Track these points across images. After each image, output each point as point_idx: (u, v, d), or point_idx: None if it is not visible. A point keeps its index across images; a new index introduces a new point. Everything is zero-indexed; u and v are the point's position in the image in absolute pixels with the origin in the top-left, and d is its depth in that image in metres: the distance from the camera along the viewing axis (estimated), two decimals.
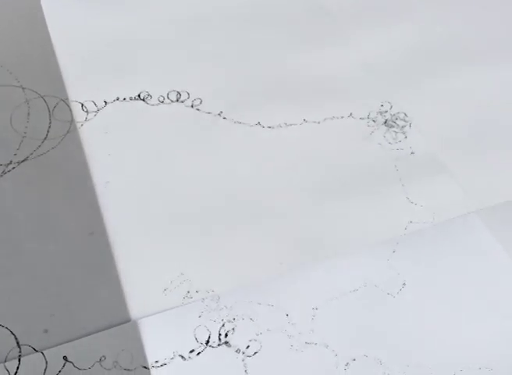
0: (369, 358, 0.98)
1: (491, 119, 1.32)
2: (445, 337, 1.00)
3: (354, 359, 0.98)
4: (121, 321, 1.00)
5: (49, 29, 1.47)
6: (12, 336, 0.98)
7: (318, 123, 1.33)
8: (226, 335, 1.00)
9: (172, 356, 0.97)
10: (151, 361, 0.96)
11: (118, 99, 1.35)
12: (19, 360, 0.94)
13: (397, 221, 1.16)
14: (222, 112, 1.33)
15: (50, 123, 1.30)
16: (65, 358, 0.96)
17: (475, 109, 1.33)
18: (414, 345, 0.99)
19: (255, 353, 0.98)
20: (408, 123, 1.33)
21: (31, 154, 1.24)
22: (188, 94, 1.37)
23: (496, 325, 1.02)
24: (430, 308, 1.04)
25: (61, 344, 0.96)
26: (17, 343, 0.96)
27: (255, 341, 0.99)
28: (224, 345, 0.99)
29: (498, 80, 1.39)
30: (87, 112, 1.32)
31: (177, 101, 1.36)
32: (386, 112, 1.35)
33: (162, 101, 1.35)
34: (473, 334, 1.00)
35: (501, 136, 1.29)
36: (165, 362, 0.96)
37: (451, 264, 1.10)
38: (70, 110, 1.32)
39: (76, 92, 1.35)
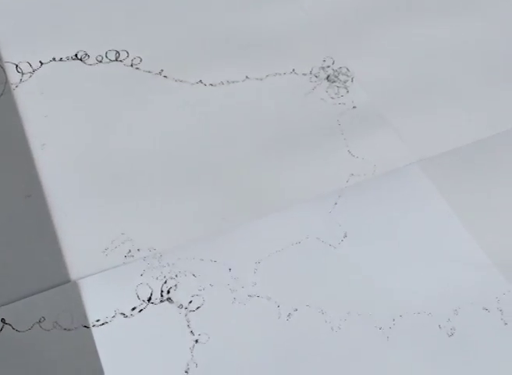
0: (311, 307, 0.99)
1: (431, 72, 1.32)
2: (385, 284, 1.02)
3: (296, 309, 0.99)
4: (60, 282, 0.99)
5: None
6: None
7: (261, 79, 1.31)
8: (169, 292, 0.99)
9: (113, 314, 0.96)
10: (91, 320, 0.95)
11: (54, 59, 1.30)
12: None
13: (339, 174, 1.17)
14: (162, 70, 1.31)
15: None
16: (3, 320, 0.94)
17: (416, 63, 1.34)
18: (354, 294, 1.01)
19: (198, 308, 0.98)
20: (350, 78, 1.33)
21: None
22: (127, 53, 1.33)
23: (435, 271, 1.04)
24: (371, 257, 1.05)
25: None
26: None
27: (198, 296, 0.99)
28: (166, 302, 0.98)
29: (437, 34, 1.40)
30: (21, 73, 1.28)
31: (116, 60, 1.33)
32: (329, 67, 1.35)
33: (100, 61, 1.32)
34: (412, 280, 1.02)
35: (440, 88, 1.30)
36: (107, 320, 0.96)
37: (392, 214, 1.11)
38: (4, 71, 1.27)
39: (9, 53, 1.30)
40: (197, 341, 0.94)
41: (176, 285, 1.00)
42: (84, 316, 0.94)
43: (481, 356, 0.94)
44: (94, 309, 0.96)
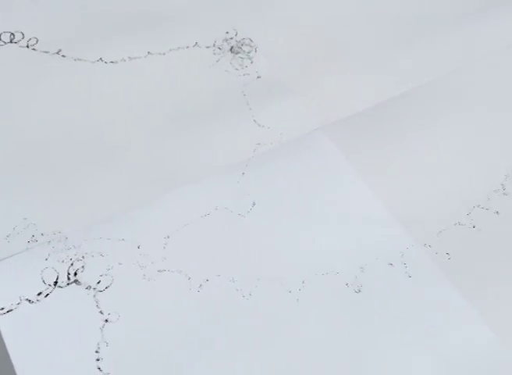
0: (222, 277, 1.00)
1: (332, 38, 1.34)
2: (293, 248, 1.03)
3: (207, 280, 0.99)
4: None
5: None
6: None
7: (163, 54, 1.29)
8: (76, 274, 0.97)
9: (18, 301, 0.94)
10: None
11: None
12: None
13: (246, 144, 1.17)
14: (60, 50, 1.26)
15: None
16: None
17: (317, 30, 1.35)
18: (263, 260, 1.02)
19: (106, 287, 0.97)
20: (254, 48, 1.32)
21: None
22: (22, 34, 1.28)
23: (341, 231, 1.06)
24: (279, 223, 1.07)
25: None
26: None
27: (106, 275, 0.98)
28: (73, 284, 0.96)
29: (336, 1, 1.42)
30: None
31: (11, 42, 1.28)
32: (232, 38, 1.34)
33: None
34: (319, 242, 1.04)
35: (341, 53, 1.32)
36: (12, 308, 0.93)
37: (299, 180, 1.13)
38: None
39: None
40: (106, 320, 0.93)
41: (83, 267, 0.98)
42: None
43: (387, 309, 0.97)
44: None
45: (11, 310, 0.92)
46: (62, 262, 0.98)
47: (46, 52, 1.26)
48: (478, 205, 1.10)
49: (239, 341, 0.94)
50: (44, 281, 0.96)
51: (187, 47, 1.31)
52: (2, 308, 0.92)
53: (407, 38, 1.34)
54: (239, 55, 1.32)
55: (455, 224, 1.07)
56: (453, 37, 1.32)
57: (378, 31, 1.33)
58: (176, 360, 0.91)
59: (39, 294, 0.94)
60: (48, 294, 0.94)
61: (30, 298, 0.94)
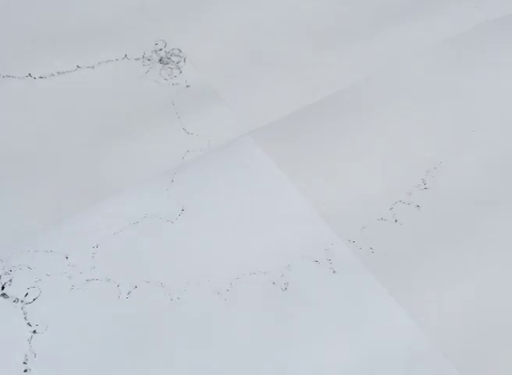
0: (150, 283, 1.01)
1: (258, 46, 1.36)
2: (221, 251, 1.05)
3: (136, 287, 1.01)
4: None
5: None
6: None
7: (93, 67, 1.31)
8: (3, 287, 0.98)
9: None
10: None
11: None
12: None
13: (175, 152, 1.19)
14: None
15: None
16: None
17: (244, 38, 1.38)
18: (192, 264, 1.04)
19: (34, 299, 0.97)
20: (183, 59, 1.35)
21: None
22: None
23: (269, 232, 1.08)
24: (207, 227, 1.09)
25: None
26: None
27: (34, 287, 0.99)
28: (1, 297, 0.97)
29: (261, 8, 1.45)
30: None
31: None
32: (161, 50, 1.36)
33: None
34: (247, 244, 1.07)
35: (267, 60, 1.34)
36: None
37: (228, 185, 1.15)
38: None
39: None
40: (34, 331, 0.94)
41: (10, 280, 0.98)
42: None
43: (313, 304, 1.00)
44: None
45: None
46: None
47: None
48: (400, 200, 1.14)
49: (168, 345, 0.95)
50: None
51: (116, 59, 1.33)
52: None
53: (328, 44, 1.38)
54: (168, 65, 1.35)
55: (378, 219, 1.11)
56: (373, 40, 1.37)
57: (300, 39, 1.37)
58: (105, 369, 0.92)
59: None
60: None
61: None
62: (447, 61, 1.33)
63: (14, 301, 0.96)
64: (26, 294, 0.97)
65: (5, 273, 0.99)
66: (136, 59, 1.34)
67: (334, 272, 1.05)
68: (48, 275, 1.00)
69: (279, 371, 0.94)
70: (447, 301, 1.01)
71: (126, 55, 1.33)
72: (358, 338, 0.97)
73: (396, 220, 1.11)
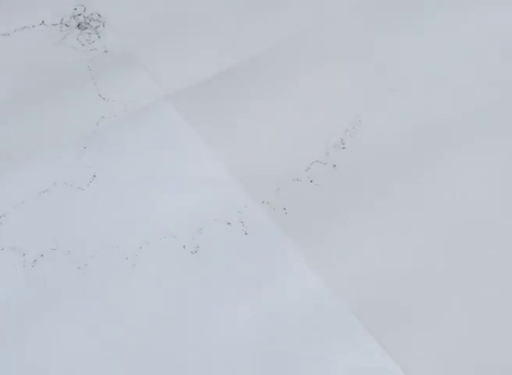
0: (57, 250, 1.00)
1: (178, 11, 1.33)
2: (131, 216, 1.03)
3: (42, 255, 0.99)
4: None
5: None
6: None
7: (8, 34, 1.27)
8: None
9: None
10: None
11: None
12: None
13: (89, 118, 1.16)
14: None
15: None
16: None
17: (163, 4, 1.33)
18: (102, 230, 1.01)
19: None
20: (102, 23, 1.31)
21: None
22: None
23: (181, 196, 1.07)
24: (119, 193, 1.06)
25: None
26: None
27: None
28: None
29: None
30: None
31: None
32: (80, 15, 1.32)
33: None
34: (158, 209, 1.04)
35: (188, 25, 1.30)
36: None
37: (143, 151, 1.12)
38: None
39: None
40: None
41: None
42: None
43: (224, 267, 0.99)
44: None
45: None
46: None
47: None
48: (317, 161, 1.12)
49: (75, 312, 0.94)
50: None
51: (33, 26, 1.29)
52: None
53: (249, 6, 1.35)
54: (86, 30, 1.31)
55: (293, 180, 1.09)
56: (296, 3, 1.34)
57: (221, 2, 1.33)
58: (8, 337, 0.91)
59: None
60: None
61: None
62: (370, 22, 1.31)
63: None
64: None
65: None
66: (54, 25, 1.30)
67: (246, 234, 1.03)
68: None
69: (188, 333, 0.93)
70: (356, 261, 1.00)
71: (43, 21, 1.29)
72: (269, 298, 0.96)
73: (311, 181, 1.10)
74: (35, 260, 0.98)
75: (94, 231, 1.02)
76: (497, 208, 1.04)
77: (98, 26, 1.31)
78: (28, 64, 1.22)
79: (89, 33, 1.30)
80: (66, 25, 1.30)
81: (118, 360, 0.89)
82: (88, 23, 1.32)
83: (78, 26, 1.31)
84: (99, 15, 1.32)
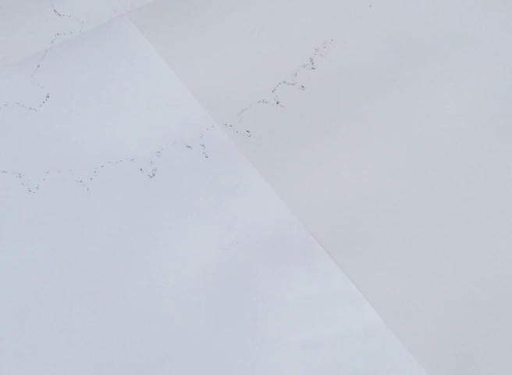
0: (7, 173, 0.95)
1: None
2: (86, 138, 0.98)
3: None
4: None
5: None
6: None
7: None
8: None
9: None
10: None
11: None
12: None
13: (43, 35, 1.09)
14: None
15: None
16: None
17: None
18: (54, 153, 0.96)
19: None
20: None
21: None
22: None
23: (139, 117, 1.00)
24: (74, 114, 1.01)
25: None
26: None
27: None
28: None
29: None
30: None
31: None
32: None
33: None
34: (114, 130, 0.99)
35: None
36: None
37: (101, 69, 1.05)
38: None
39: None
40: None
41: None
42: None
43: (182, 190, 0.95)
44: None
45: None
46: None
47: None
48: (284, 81, 1.06)
49: (26, 235, 0.90)
50: None
51: None
52: None
53: None
54: None
55: (258, 102, 1.04)
56: None
57: None
58: None
59: None
60: None
61: None
62: None
63: None
64: None
65: None
66: None
67: (207, 157, 0.99)
68: None
69: (142, 258, 0.90)
70: (319, 185, 0.96)
71: None
72: (229, 223, 0.93)
73: (277, 102, 1.04)
74: None
75: (46, 153, 0.97)
76: (469, 126, 0.99)
77: None
78: None
79: None
80: None
81: (65, 281, 0.86)
82: None
83: None
84: None
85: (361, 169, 0.97)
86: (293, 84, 1.06)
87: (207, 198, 0.95)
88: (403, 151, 0.99)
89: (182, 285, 0.88)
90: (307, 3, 1.13)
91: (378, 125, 1.02)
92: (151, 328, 0.84)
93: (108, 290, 0.87)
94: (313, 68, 1.08)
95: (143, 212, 0.94)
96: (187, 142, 1.00)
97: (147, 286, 0.88)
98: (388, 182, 0.96)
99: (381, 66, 1.07)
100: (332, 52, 1.09)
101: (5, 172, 0.95)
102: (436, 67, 1.05)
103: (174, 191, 0.95)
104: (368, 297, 0.88)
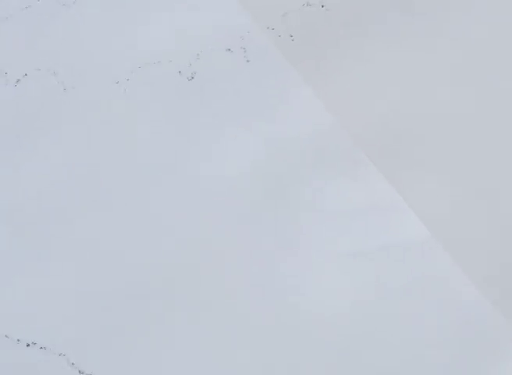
0: (42, 70, 0.91)
1: None
2: (123, 37, 0.93)
3: (26, 74, 0.91)
4: None
5: None
6: None
7: None
8: None
9: None
10: None
11: None
12: None
13: None
14: None
15: None
16: None
17: None
18: (90, 51, 0.91)
19: None
20: None
21: None
22: None
23: (179, 19, 0.95)
24: (109, 12, 0.95)
25: None
26: None
27: None
28: None
29: None
30: None
31: None
32: None
33: None
34: (153, 30, 0.93)
35: None
36: None
37: None
38: None
39: None
40: None
41: None
42: None
43: (224, 94, 0.90)
44: None
45: None
46: None
47: None
48: None
49: (61, 134, 0.88)
50: None
51: None
52: None
53: None
54: None
55: (303, 5, 0.98)
56: None
57: None
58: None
59: None
60: None
61: None
62: None
63: None
64: None
65: None
66: None
67: (248, 61, 0.94)
68: None
69: (179, 159, 0.87)
70: (363, 90, 0.91)
71: None
72: (269, 128, 0.89)
73: (322, 6, 0.99)
74: (18, 80, 0.91)
75: (81, 53, 0.93)
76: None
77: None
78: None
79: None
80: None
81: (103, 176, 0.84)
82: None
83: None
84: None
85: (407, 74, 0.92)
86: None
87: (247, 104, 0.91)
88: (450, 54, 0.94)
89: (221, 189, 0.86)
90: None
91: (426, 28, 0.96)
92: (193, 227, 0.83)
93: (154, 183, 0.84)
94: None
95: (180, 115, 0.90)
96: (228, 45, 0.95)
97: (185, 184, 0.85)
98: (436, 85, 0.91)
99: None
100: None
101: (39, 70, 0.91)
102: None
103: (213, 95, 0.91)
104: (414, 207, 0.85)
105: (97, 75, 0.91)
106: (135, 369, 0.73)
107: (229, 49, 0.95)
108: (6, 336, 0.76)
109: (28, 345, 0.76)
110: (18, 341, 0.75)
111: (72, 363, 0.74)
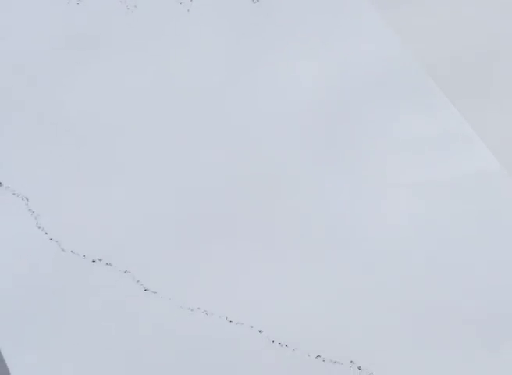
0: None
1: None
2: None
3: None
4: None
5: None
6: None
7: None
8: None
9: None
10: None
11: None
12: None
13: None
14: None
15: None
16: None
17: None
18: None
19: None
20: None
21: None
22: None
23: None
24: None
25: None
26: None
27: None
28: None
29: None
30: None
31: None
32: None
33: None
34: None
35: None
36: None
37: None
38: None
39: None
40: None
41: None
42: None
43: (290, 18, 0.87)
44: None
45: None
46: None
47: None
48: None
49: (125, 46, 0.86)
50: None
51: None
52: None
53: None
54: None
55: None
56: None
57: None
58: None
59: None
60: None
61: None
62: None
63: None
64: None
65: None
66: None
67: None
68: None
69: (246, 87, 0.86)
70: (437, 19, 0.88)
71: None
72: (338, 57, 0.85)
73: None
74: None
75: None
76: None
77: None
78: None
79: None
80: None
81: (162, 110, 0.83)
82: None
83: None
84: None
85: (485, 5, 0.89)
86: None
87: (315, 30, 0.88)
88: None
89: (285, 117, 0.84)
90: None
91: None
92: (256, 151, 0.81)
93: (217, 121, 0.84)
94: None
95: (244, 39, 0.88)
96: None
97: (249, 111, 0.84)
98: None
99: None
100: None
101: None
102: None
103: (279, 19, 0.88)
104: (484, 138, 0.83)
105: None
106: (201, 287, 0.73)
107: None
108: (72, 251, 0.76)
109: (94, 261, 0.77)
110: (84, 257, 0.76)
111: (138, 281, 0.75)
